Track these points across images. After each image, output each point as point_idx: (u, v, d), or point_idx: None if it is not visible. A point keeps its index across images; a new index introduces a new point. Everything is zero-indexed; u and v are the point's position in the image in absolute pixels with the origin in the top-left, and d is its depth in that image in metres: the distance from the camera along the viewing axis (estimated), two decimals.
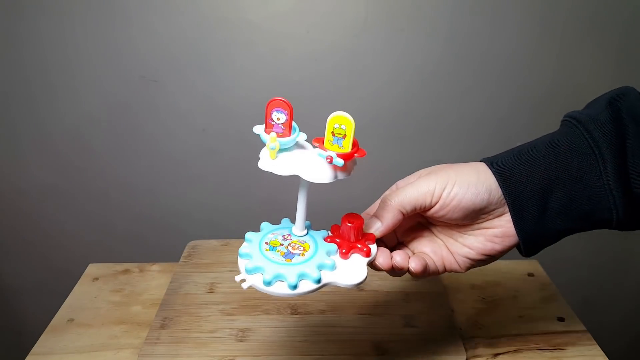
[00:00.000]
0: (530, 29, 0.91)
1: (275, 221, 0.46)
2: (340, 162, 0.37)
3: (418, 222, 0.49)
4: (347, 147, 0.37)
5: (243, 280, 0.38)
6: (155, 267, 0.74)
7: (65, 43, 0.91)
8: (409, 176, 0.46)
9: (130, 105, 0.95)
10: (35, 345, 0.60)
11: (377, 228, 0.44)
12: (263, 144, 0.39)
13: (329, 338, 0.58)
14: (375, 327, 0.59)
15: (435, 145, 0.95)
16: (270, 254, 0.39)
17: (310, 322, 0.60)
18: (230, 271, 0.69)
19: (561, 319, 0.64)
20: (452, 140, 0.95)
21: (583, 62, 0.93)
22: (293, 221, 0.44)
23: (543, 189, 0.42)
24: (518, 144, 0.45)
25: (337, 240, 0.42)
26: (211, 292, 0.66)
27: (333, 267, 0.39)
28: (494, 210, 0.43)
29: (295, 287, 0.37)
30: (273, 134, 0.37)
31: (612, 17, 0.90)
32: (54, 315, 0.64)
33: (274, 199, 1.04)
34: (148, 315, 0.64)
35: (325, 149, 0.38)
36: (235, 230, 1.06)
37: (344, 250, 0.41)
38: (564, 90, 0.94)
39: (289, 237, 0.42)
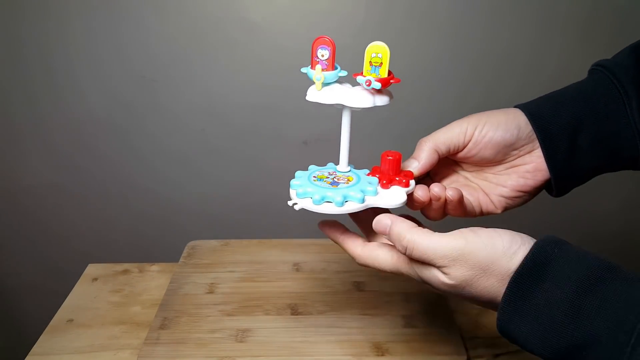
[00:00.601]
0: (529, 28, 0.91)
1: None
2: (377, 85, 0.42)
3: (454, 171, 0.52)
4: (384, 73, 0.42)
5: (295, 204, 0.43)
6: (155, 267, 0.74)
7: (66, 43, 0.91)
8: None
9: (131, 105, 0.95)
10: (35, 345, 0.60)
11: (415, 167, 0.46)
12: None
13: (328, 338, 0.58)
14: (376, 327, 0.59)
15: None
16: (318, 183, 0.44)
17: (310, 322, 0.60)
18: (230, 271, 0.69)
19: None
20: None
21: (583, 61, 0.93)
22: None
23: (572, 127, 0.45)
24: None
25: (378, 175, 0.46)
26: (211, 292, 0.66)
27: (375, 193, 0.43)
28: (523, 146, 0.46)
29: (341, 205, 0.41)
30: (318, 67, 0.42)
31: (611, 16, 0.90)
32: (53, 316, 0.64)
33: (274, 199, 1.03)
34: (147, 315, 0.64)
35: (364, 75, 0.42)
36: (235, 230, 1.06)
37: (384, 182, 0.44)
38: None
39: (334, 173, 0.47)
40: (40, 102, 0.95)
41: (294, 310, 0.62)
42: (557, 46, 0.91)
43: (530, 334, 0.34)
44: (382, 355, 0.55)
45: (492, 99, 0.95)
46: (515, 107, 0.47)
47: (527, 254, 0.35)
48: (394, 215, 0.41)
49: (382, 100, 0.43)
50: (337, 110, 0.46)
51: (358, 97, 0.43)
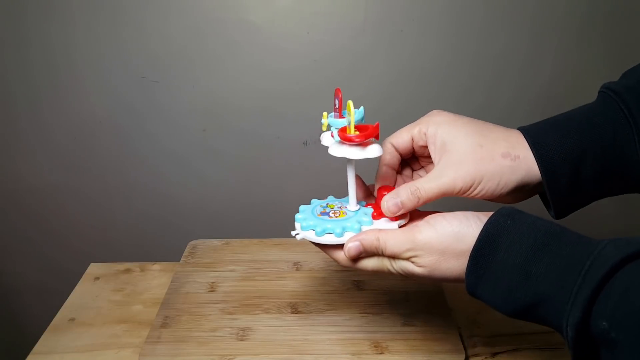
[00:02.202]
0: (527, 29, 0.91)
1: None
2: (337, 138, 0.45)
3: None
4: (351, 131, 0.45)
5: (297, 234, 0.47)
6: (156, 266, 0.74)
7: (68, 44, 0.91)
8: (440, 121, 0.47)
9: (132, 105, 0.96)
10: (37, 344, 0.60)
11: (395, 210, 0.46)
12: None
13: (328, 337, 0.58)
14: (375, 326, 0.60)
15: None
16: (320, 216, 0.48)
17: (310, 321, 0.61)
18: (231, 270, 0.70)
19: None
20: None
21: (580, 62, 0.93)
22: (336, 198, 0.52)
23: (576, 159, 0.43)
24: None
25: (373, 209, 0.48)
26: (212, 291, 0.66)
27: (371, 223, 0.46)
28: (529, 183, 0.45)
29: (341, 235, 0.45)
30: (325, 113, 0.47)
31: (609, 17, 0.90)
32: (55, 315, 0.65)
33: (274, 199, 1.04)
34: (149, 314, 0.64)
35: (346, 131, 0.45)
36: (235, 230, 1.07)
37: (375, 214, 0.47)
38: (560, 89, 0.95)
39: (340, 205, 0.50)
40: (42, 102, 0.95)
41: (294, 309, 0.63)
42: (555, 47, 0.92)
43: (492, 296, 0.39)
44: (382, 353, 0.56)
45: (492, 100, 0.95)
46: (519, 129, 0.46)
47: (481, 231, 0.39)
48: (354, 236, 0.45)
49: (357, 155, 0.45)
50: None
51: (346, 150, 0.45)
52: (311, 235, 0.46)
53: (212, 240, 0.77)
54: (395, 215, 0.46)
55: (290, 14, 0.89)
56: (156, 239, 1.07)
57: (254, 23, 0.89)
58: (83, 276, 0.72)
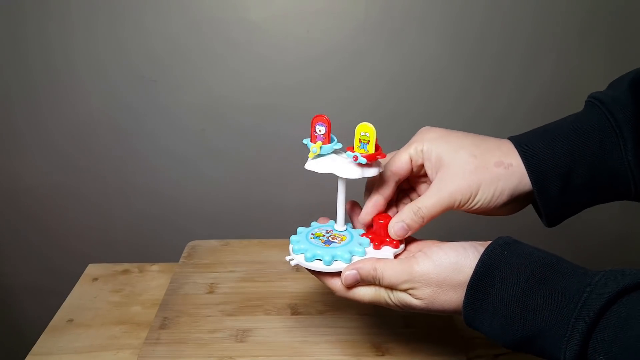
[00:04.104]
0: (527, 29, 0.91)
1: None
2: (363, 160, 0.45)
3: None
4: (371, 150, 0.45)
5: (291, 259, 0.47)
6: (155, 267, 0.74)
7: (67, 44, 0.91)
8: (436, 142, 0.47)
9: (131, 105, 0.95)
10: (35, 345, 0.60)
11: (403, 234, 0.47)
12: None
13: (328, 338, 0.58)
14: (375, 328, 0.59)
15: None
16: (313, 240, 0.48)
17: (310, 322, 0.60)
18: (230, 271, 0.69)
19: None
20: None
21: (579, 63, 0.93)
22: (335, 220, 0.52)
23: (565, 167, 0.44)
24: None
25: (370, 236, 0.49)
26: (211, 292, 0.66)
27: (363, 254, 0.46)
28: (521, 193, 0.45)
29: (329, 264, 0.45)
30: (319, 142, 0.47)
31: (608, 18, 0.90)
32: (53, 316, 0.64)
33: (274, 200, 1.04)
34: (148, 315, 0.64)
35: (353, 151, 0.46)
36: (235, 230, 1.06)
37: (376, 243, 0.48)
38: (560, 90, 0.95)
39: (331, 232, 0.50)
40: (40, 102, 0.95)
41: (294, 310, 0.62)
42: (555, 48, 0.92)
43: (490, 328, 0.39)
44: (382, 355, 0.56)
45: (491, 100, 0.95)
46: (509, 138, 0.47)
47: (478, 262, 0.39)
48: (351, 264, 0.45)
49: (370, 172, 0.46)
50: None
51: (348, 169, 0.46)
52: (301, 260, 0.46)
53: (212, 240, 0.76)
54: (404, 237, 0.46)
55: (289, 12, 0.89)
56: (155, 239, 1.07)
57: (254, 22, 0.89)
58: (81, 277, 0.72)
